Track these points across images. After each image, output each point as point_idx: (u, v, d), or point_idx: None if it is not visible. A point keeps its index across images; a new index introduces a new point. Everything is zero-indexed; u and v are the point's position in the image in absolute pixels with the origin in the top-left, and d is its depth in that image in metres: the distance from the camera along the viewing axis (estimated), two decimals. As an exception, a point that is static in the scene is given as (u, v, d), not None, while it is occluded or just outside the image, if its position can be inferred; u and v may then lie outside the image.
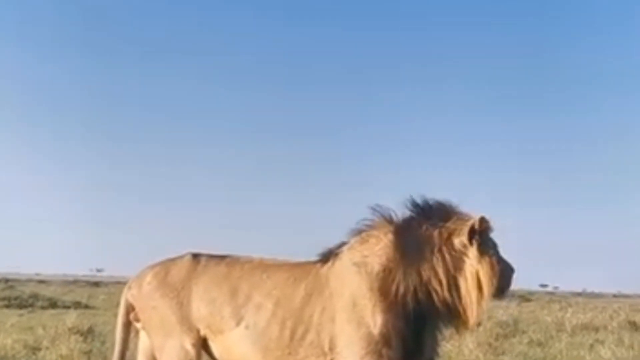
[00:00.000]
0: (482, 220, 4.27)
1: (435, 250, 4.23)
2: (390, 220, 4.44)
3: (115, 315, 5.07)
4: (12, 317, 18.66)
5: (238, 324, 4.43)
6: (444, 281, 4.20)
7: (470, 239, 4.23)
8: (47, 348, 10.05)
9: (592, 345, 11.83)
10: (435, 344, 4.43)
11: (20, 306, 25.14)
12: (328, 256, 4.52)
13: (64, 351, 9.52)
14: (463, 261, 4.23)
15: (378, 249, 4.34)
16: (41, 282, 61.13)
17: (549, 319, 18.64)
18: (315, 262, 4.56)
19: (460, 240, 4.24)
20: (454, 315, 4.29)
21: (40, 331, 12.63)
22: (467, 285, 4.21)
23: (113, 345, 4.92)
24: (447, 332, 4.59)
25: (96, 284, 59.43)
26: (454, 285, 4.22)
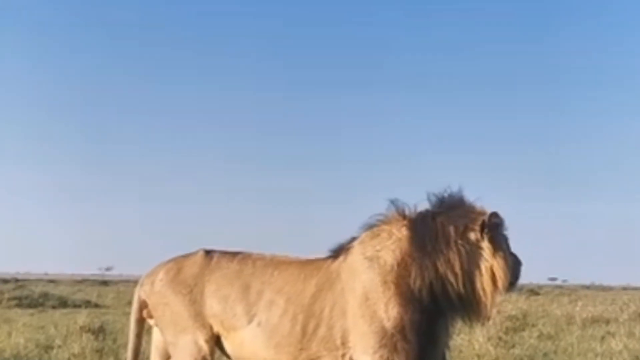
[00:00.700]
0: (494, 215, 4.28)
1: (452, 244, 4.24)
2: (403, 215, 4.44)
3: (126, 314, 5.10)
4: (24, 316, 18.77)
5: (250, 321, 4.44)
6: (460, 275, 4.21)
7: (482, 234, 4.24)
8: (59, 347, 10.09)
9: (603, 338, 11.80)
10: (447, 337, 4.44)
11: (31, 306, 25.26)
12: (339, 251, 4.53)
13: (76, 350, 9.55)
14: (478, 255, 4.24)
15: (390, 243, 4.35)
16: (50, 281, 61.24)
17: (558, 312, 18.58)
18: (326, 258, 4.56)
19: (475, 234, 4.26)
20: (467, 308, 4.30)
21: (52, 330, 12.71)
22: (481, 280, 4.23)
23: (125, 342, 4.94)
24: (458, 325, 4.60)
25: (105, 282, 59.58)
26: (468, 279, 4.23)
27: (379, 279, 4.27)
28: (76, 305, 26.41)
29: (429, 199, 4.46)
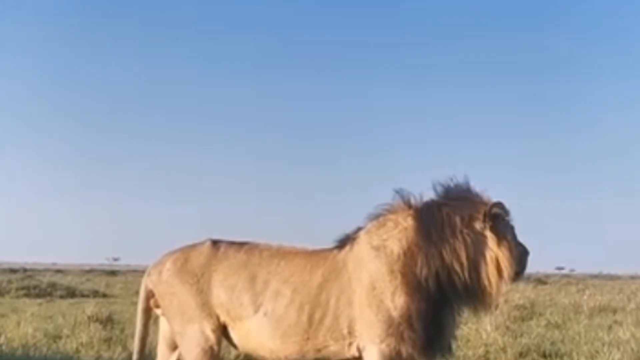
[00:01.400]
0: (496, 205, 4.28)
1: (457, 233, 4.24)
2: (409, 204, 4.44)
3: (133, 304, 5.11)
4: (32, 306, 18.89)
5: (257, 310, 4.44)
6: (465, 264, 4.22)
7: (486, 223, 4.24)
8: (67, 336, 10.13)
9: (610, 327, 11.78)
10: (454, 326, 4.45)
11: (39, 295, 25.44)
12: (345, 241, 4.53)
13: (85, 339, 9.59)
14: (483, 245, 4.25)
15: (397, 232, 4.35)
16: (58, 271, 61.60)
17: (566, 301, 18.56)
18: (332, 248, 4.56)
19: (480, 224, 4.25)
20: (473, 298, 4.31)
21: (60, 320, 12.78)
22: (487, 269, 4.24)
23: (133, 332, 4.95)
24: (465, 315, 4.60)
25: (113, 272, 59.93)
26: (474, 268, 4.24)
27: (386, 269, 4.27)
28: (84, 295, 26.61)
29: (434, 189, 4.46)
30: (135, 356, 4.91)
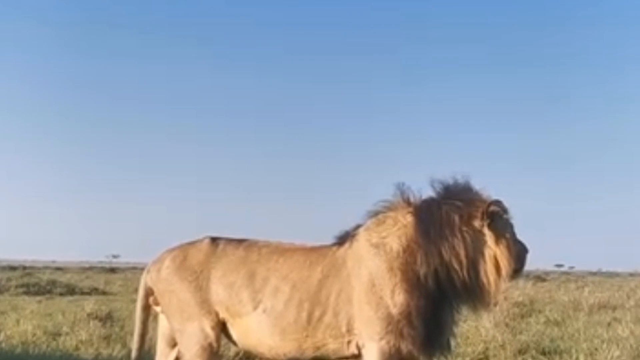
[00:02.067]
0: (494, 203, 4.28)
1: (456, 231, 4.25)
2: (408, 202, 4.45)
3: (133, 301, 5.11)
4: (31, 303, 18.87)
5: (256, 307, 4.44)
6: (464, 262, 4.22)
7: (484, 221, 4.25)
8: (67, 334, 10.12)
9: (609, 324, 11.78)
10: (453, 324, 4.45)
11: (39, 293, 25.43)
12: (344, 238, 4.53)
13: (84, 336, 9.58)
14: (482, 243, 4.26)
15: (396, 230, 4.35)
16: (58, 269, 61.49)
17: (565, 298, 18.56)
18: (331, 245, 4.56)
19: (478, 222, 4.26)
20: (472, 295, 4.31)
21: (59, 317, 12.78)
22: (485, 267, 4.25)
23: (132, 329, 4.95)
24: (465, 312, 4.60)
25: (112, 270, 59.84)
26: (473, 266, 4.24)
27: (385, 266, 4.27)
28: (84, 293, 26.62)
29: (434, 187, 4.46)
30: (134, 353, 4.91)
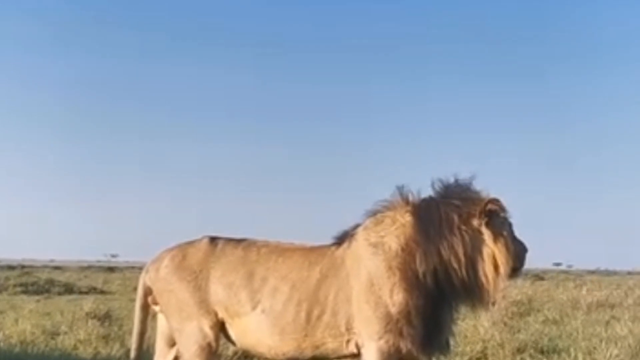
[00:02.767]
0: (492, 202, 4.28)
1: (455, 230, 4.25)
2: (407, 201, 4.45)
3: (132, 300, 5.11)
4: (30, 302, 18.85)
5: (254, 307, 4.44)
6: (463, 261, 4.22)
7: (482, 220, 4.25)
8: (65, 333, 10.12)
9: (608, 322, 11.82)
10: (452, 323, 4.45)
11: (37, 292, 25.45)
12: (343, 238, 4.53)
13: (82, 336, 9.57)
14: (480, 242, 4.26)
15: (394, 229, 4.35)
16: (56, 268, 61.51)
17: (563, 297, 18.59)
18: (330, 245, 4.56)
19: (477, 221, 4.26)
20: (470, 294, 4.31)
21: (58, 316, 12.79)
22: (484, 266, 4.24)
23: (131, 328, 4.95)
24: (463, 311, 4.61)
25: (111, 269, 59.74)
26: (471, 265, 4.24)
27: (384, 265, 4.27)
28: (82, 292, 26.65)
29: (433, 186, 4.46)
30: (133, 353, 4.91)
